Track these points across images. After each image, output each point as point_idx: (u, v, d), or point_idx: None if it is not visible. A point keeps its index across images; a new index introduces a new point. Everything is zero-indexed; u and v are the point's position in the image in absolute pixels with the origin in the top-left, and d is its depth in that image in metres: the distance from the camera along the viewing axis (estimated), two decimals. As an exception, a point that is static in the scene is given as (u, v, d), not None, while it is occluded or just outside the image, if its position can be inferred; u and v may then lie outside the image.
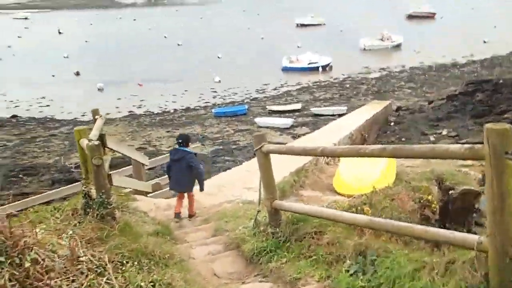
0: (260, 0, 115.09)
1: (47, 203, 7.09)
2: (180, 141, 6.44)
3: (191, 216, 6.44)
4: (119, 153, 6.99)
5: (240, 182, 8.23)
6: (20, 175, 20.15)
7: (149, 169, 10.94)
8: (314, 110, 27.66)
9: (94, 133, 5.15)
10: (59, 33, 69.95)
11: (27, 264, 2.38)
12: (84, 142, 4.83)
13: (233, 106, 31.18)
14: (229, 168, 12.92)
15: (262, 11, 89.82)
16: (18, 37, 65.37)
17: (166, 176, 7.29)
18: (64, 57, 52.04)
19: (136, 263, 3.80)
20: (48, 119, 31.61)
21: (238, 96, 35.12)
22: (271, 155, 4.37)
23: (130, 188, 7.39)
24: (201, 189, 6.42)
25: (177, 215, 6.31)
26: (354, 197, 5.19)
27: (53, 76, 43.74)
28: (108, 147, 6.19)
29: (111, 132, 26.43)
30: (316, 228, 4.07)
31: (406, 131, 19.89)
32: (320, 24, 71.00)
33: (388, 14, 75.20)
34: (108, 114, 31.49)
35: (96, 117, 5.90)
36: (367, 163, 8.04)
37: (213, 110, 29.95)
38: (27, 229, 3.01)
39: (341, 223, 3.76)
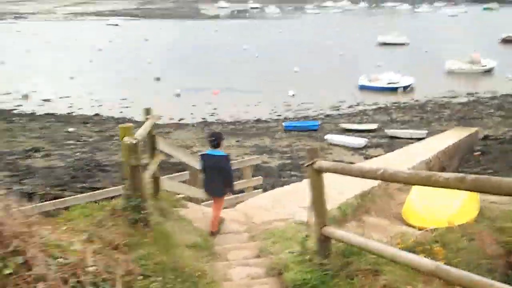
0: (343, 16, 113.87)
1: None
2: (213, 138, 5.94)
3: (215, 232, 5.96)
4: (172, 156, 6.71)
5: (299, 200, 7.58)
6: (95, 170, 21.00)
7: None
8: (390, 132, 26.25)
9: (140, 132, 4.85)
10: (146, 40, 73.57)
11: (6, 271, 2.01)
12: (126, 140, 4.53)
13: (305, 121, 30.55)
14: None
15: (344, 27, 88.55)
16: (109, 41, 69.63)
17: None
18: (148, 62, 54.48)
19: (160, 278, 3.37)
20: (126, 120, 32.93)
21: (311, 112, 34.45)
22: (334, 175, 3.76)
23: (183, 194, 7.09)
24: (232, 191, 6.12)
25: (213, 233, 5.85)
26: (426, 231, 4.41)
27: (135, 79, 45.82)
28: (158, 149, 5.92)
29: (182, 136, 26.99)
30: (371, 265, 3.41)
31: (494, 163, 18.12)
32: (403, 44, 68.30)
33: (480, 37, 70.83)
34: (182, 119, 32.33)
35: (147, 116, 5.63)
36: (445, 192, 7.08)
37: (284, 124, 29.53)
38: (34, 228, 2.66)
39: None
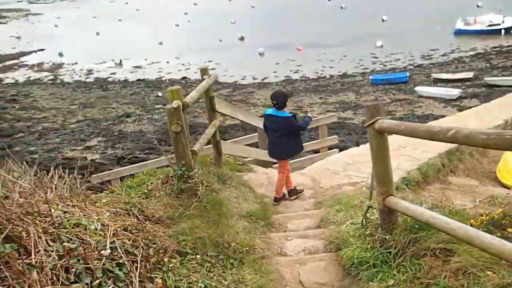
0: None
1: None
2: (275, 102, 5.40)
3: (290, 192, 5.56)
4: (232, 117, 6.38)
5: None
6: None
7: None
8: (489, 79, 23.66)
9: (192, 95, 4.53)
10: (229, 0, 73.55)
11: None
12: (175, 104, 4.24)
13: (392, 73, 28.68)
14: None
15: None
16: (194, 4, 70.61)
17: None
18: (231, 22, 54.51)
19: (198, 256, 3.10)
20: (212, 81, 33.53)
21: (400, 63, 32.24)
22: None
23: (247, 157, 6.79)
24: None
25: (277, 199, 5.47)
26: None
27: (220, 41, 46.15)
28: (218, 111, 5.60)
29: (265, 95, 26.75)
30: (443, 243, 2.82)
31: None
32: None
33: None
34: (265, 78, 32.06)
35: (204, 77, 5.29)
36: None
37: (370, 77, 28.01)
38: (43, 207, 2.48)
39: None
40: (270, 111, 5.44)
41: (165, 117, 21.78)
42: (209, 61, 38.81)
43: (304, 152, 9.70)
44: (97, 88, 34.26)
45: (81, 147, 21.35)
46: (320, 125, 8.64)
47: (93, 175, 9.50)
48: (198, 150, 4.52)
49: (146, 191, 4.23)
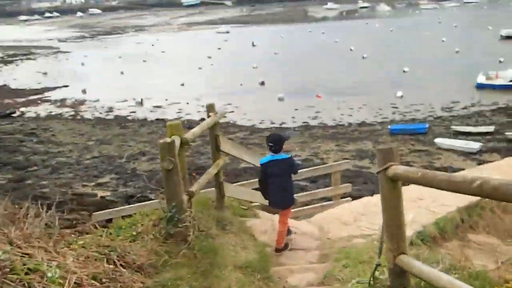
0: (461, 11, 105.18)
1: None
2: (271, 144, 5.10)
3: (279, 250, 5.15)
4: (237, 158, 6.06)
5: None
6: (194, 174, 21.47)
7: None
8: (511, 134, 23.06)
9: (194, 131, 4.27)
10: (253, 45, 74.92)
11: None
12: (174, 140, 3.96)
13: (412, 124, 28.29)
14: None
15: (462, 22, 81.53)
16: (218, 49, 72.13)
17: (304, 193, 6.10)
18: (253, 67, 55.27)
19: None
20: (230, 124, 33.57)
21: (420, 114, 31.87)
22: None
23: (252, 201, 6.41)
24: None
25: (279, 250, 5.06)
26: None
27: (241, 85, 46.67)
28: (223, 151, 5.30)
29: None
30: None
31: None
32: (531, 36, 60.77)
33: None
34: (283, 123, 31.97)
35: (210, 114, 5.04)
36: None
37: (389, 127, 27.65)
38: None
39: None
40: (268, 157, 5.15)
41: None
42: (229, 104, 39.06)
43: (315, 200, 9.28)
44: (115, 126, 34.61)
45: (93, 184, 21.25)
46: (333, 172, 8.26)
47: (94, 213, 9.21)
48: (196, 191, 4.18)
49: (134, 233, 3.88)
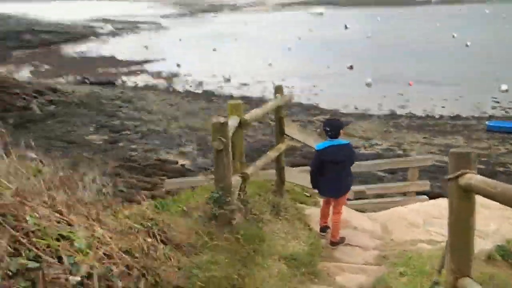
0: None
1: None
2: (328, 129, 4.68)
3: (334, 243, 4.82)
4: (301, 142, 5.79)
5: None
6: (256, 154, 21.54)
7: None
8: None
9: (255, 112, 4.09)
10: (346, 28, 72.76)
11: None
12: (231, 120, 3.81)
13: (514, 122, 25.77)
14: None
15: None
16: (309, 30, 71.01)
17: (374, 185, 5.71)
18: (343, 50, 53.74)
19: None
20: (312, 107, 33.10)
21: (526, 111, 28.94)
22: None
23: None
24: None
25: (323, 229, 4.75)
26: None
27: (328, 67, 45.64)
28: (287, 135, 5.08)
29: (363, 127, 25.57)
30: None
31: None
32: None
33: None
34: (368, 110, 30.78)
35: (277, 95, 4.81)
36: None
37: (487, 123, 25.40)
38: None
39: None
40: (326, 143, 4.78)
41: (260, 135, 21.98)
42: (314, 86, 38.51)
43: (387, 194, 8.73)
44: (202, 99, 35.71)
45: (175, 152, 22.23)
46: (412, 166, 7.67)
47: (167, 180, 9.46)
48: (251, 174, 4.02)
49: (185, 208, 3.83)
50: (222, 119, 3.35)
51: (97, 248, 2.50)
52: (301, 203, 5.43)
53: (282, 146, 4.95)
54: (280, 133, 4.98)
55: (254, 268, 3.10)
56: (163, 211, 3.84)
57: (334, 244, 4.74)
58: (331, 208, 4.85)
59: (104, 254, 2.53)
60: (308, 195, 5.98)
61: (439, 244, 4.60)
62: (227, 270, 2.82)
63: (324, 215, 4.94)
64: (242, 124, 3.66)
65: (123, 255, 2.57)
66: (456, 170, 2.44)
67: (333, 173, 4.80)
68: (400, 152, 20.59)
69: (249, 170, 4.03)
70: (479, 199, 2.46)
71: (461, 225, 2.42)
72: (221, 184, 3.40)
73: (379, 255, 4.36)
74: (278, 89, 5.00)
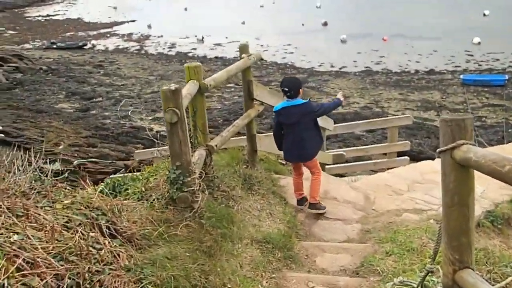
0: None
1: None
2: (286, 89, 4.25)
3: (312, 205, 4.42)
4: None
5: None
6: (234, 117, 21.02)
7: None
8: None
9: (217, 75, 3.55)
10: (319, -17, 71.12)
11: None
12: (189, 85, 3.26)
13: (488, 75, 25.68)
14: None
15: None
16: (283, -14, 69.03)
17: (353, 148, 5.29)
18: (317, 7, 52.68)
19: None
20: (287, 66, 32.36)
21: (499, 63, 28.84)
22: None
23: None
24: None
25: (300, 201, 4.37)
26: None
27: (302, 25, 44.66)
28: (256, 99, 4.56)
29: (340, 85, 25.16)
30: None
31: None
32: None
33: None
34: (344, 67, 30.28)
35: (243, 56, 4.26)
36: None
37: (461, 76, 25.26)
38: None
39: None
40: (282, 104, 4.32)
41: (235, 97, 21.41)
42: (288, 45, 37.65)
43: (366, 156, 8.38)
44: (176, 62, 34.55)
45: (150, 118, 21.49)
46: (390, 126, 7.29)
47: (137, 151, 8.89)
48: (216, 146, 3.52)
49: (143, 189, 3.32)
50: (173, 86, 2.81)
51: (15, 257, 2.00)
52: (276, 173, 4.99)
53: (251, 113, 4.45)
54: (249, 98, 4.46)
55: (222, 258, 2.67)
56: (119, 195, 3.34)
57: (313, 207, 4.35)
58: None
59: (28, 261, 2.03)
60: (284, 163, 5.55)
61: (425, 213, 4.26)
62: (186, 267, 2.37)
63: (297, 186, 4.51)
64: (202, 90, 3.12)
65: (53, 261, 2.07)
66: (450, 142, 2.00)
67: (291, 135, 4.36)
68: (378, 109, 20.34)
69: (215, 141, 3.53)
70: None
71: (458, 206, 2.01)
72: (177, 162, 2.88)
73: (362, 229, 3.98)
74: (244, 48, 4.44)
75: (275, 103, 5.08)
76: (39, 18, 55.38)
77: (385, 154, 7.80)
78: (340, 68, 30.04)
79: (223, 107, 21.96)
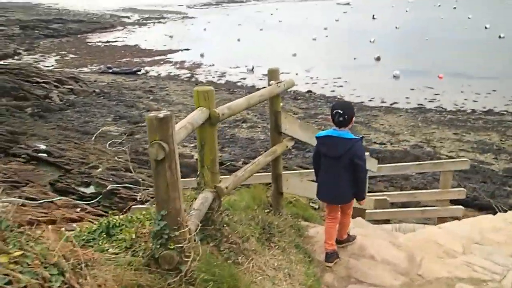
0: None
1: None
2: (340, 112, 3.54)
3: (340, 242, 3.74)
4: (306, 144, 4.65)
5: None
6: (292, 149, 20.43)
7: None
8: None
9: (234, 103, 2.97)
10: (373, 18, 70.51)
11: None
12: (195, 113, 2.69)
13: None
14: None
15: None
16: (336, 20, 69.09)
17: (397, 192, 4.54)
18: (370, 41, 51.98)
19: None
20: (336, 99, 31.66)
21: None
22: None
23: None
24: (361, 197, 3.75)
25: (329, 256, 3.64)
26: None
27: (354, 59, 44.06)
28: (285, 133, 3.94)
29: (390, 122, 24.10)
30: None
31: None
32: None
33: None
34: (395, 103, 29.19)
35: (271, 82, 3.70)
36: None
37: (523, 118, 23.63)
38: None
39: None
40: (328, 131, 3.62)
41: (260, 133, 20.96)
42: (339, 78, 37.11)
43: (413, 202, 7.49)
44: (224, 90, 34.74)
45: (192, 145, 21.37)
46: (445, 170, 6.43)
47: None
48: (227, 188, 2.92)
49: (134, 236, 2.75)
50: (161, 114, 2.24)
51: None
52: (306, 219, 4.27)
53: (278, 148, 3.81)
54: (276, 131, 3.83)
55: None
56: (106, 240, 2.78)
57: (341, 243, 3.69)
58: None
59: None
60: (317, 207, 4.83)
61: (485, 284, 3.43)
62: None
63: (329, 233, 3.77)
64: (212, 119, 2.56)
65: None
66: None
67: (329, 170, 3.69)
68: (429, 149, 19.11)
69: (226, 182, 2.93)
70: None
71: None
72: (163, 211, 2.26)
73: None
74: (273, 73, 3.87)
75: (308, 138, 4.44)
76: (99, 44, 58.11)
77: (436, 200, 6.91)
78: (391, 104, 28.97)
79: (266, 138, 21.48)
